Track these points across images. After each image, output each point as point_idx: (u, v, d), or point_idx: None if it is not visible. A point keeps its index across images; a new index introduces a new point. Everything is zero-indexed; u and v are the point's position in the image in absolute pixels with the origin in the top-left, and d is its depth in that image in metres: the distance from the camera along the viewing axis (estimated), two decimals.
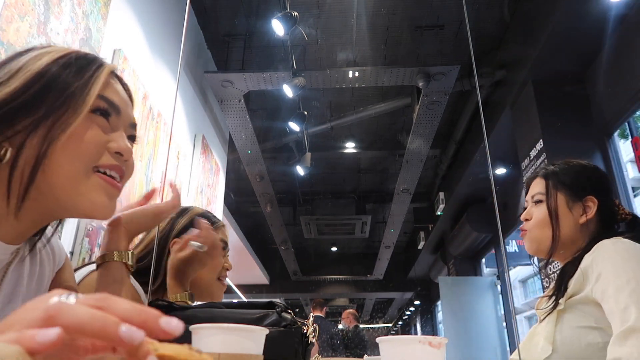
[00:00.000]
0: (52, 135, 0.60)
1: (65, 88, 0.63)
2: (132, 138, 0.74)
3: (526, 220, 1.11)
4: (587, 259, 0.97)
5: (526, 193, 1.16)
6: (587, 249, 1.00)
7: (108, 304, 0.30)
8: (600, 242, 0.97)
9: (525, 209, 1.14)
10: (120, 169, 0.68)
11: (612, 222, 1.07)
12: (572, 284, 0.98)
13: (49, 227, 0.75)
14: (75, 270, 0.98)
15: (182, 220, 1.19)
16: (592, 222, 1.07)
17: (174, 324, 0.30)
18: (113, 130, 0.68)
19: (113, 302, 0.30)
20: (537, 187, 1.12)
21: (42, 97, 0.62)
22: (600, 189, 1.09)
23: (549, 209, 1.07)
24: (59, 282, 0.77)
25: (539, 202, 1.11)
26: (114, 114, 0.68)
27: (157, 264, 1.12)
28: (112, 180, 0.67)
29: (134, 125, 0.74)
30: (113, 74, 0.72)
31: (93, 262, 1.02)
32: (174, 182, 0.89)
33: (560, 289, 1.01)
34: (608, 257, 0.93)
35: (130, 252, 0.79)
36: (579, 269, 0.98)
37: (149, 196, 0.88)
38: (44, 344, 0.27)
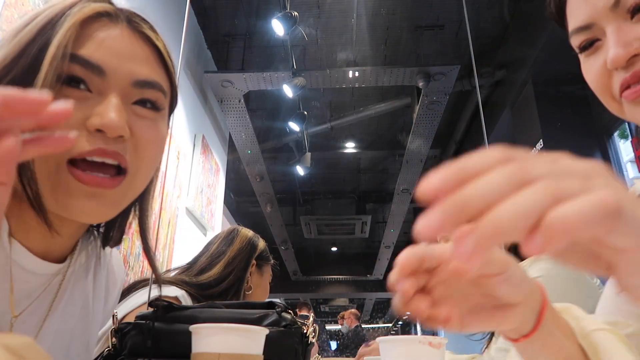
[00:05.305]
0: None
1: (33, 54, 0.47)
2: (143, 103, 0.53)
3: None
4: None
5: None
6: None
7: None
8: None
9: None
10: (106, 153, 0.48)
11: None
12: None
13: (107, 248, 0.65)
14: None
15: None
16: None
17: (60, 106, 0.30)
18: (100, 97, 0.49)
19: None
20: None
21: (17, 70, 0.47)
22: None
23: None
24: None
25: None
26: (95, 76, 0.49)
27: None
28: (87, 177, 0.47)
29: (143, 84, 0.52)
30: (100, 16, 0.51)
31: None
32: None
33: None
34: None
35: None
36: None
37: None
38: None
